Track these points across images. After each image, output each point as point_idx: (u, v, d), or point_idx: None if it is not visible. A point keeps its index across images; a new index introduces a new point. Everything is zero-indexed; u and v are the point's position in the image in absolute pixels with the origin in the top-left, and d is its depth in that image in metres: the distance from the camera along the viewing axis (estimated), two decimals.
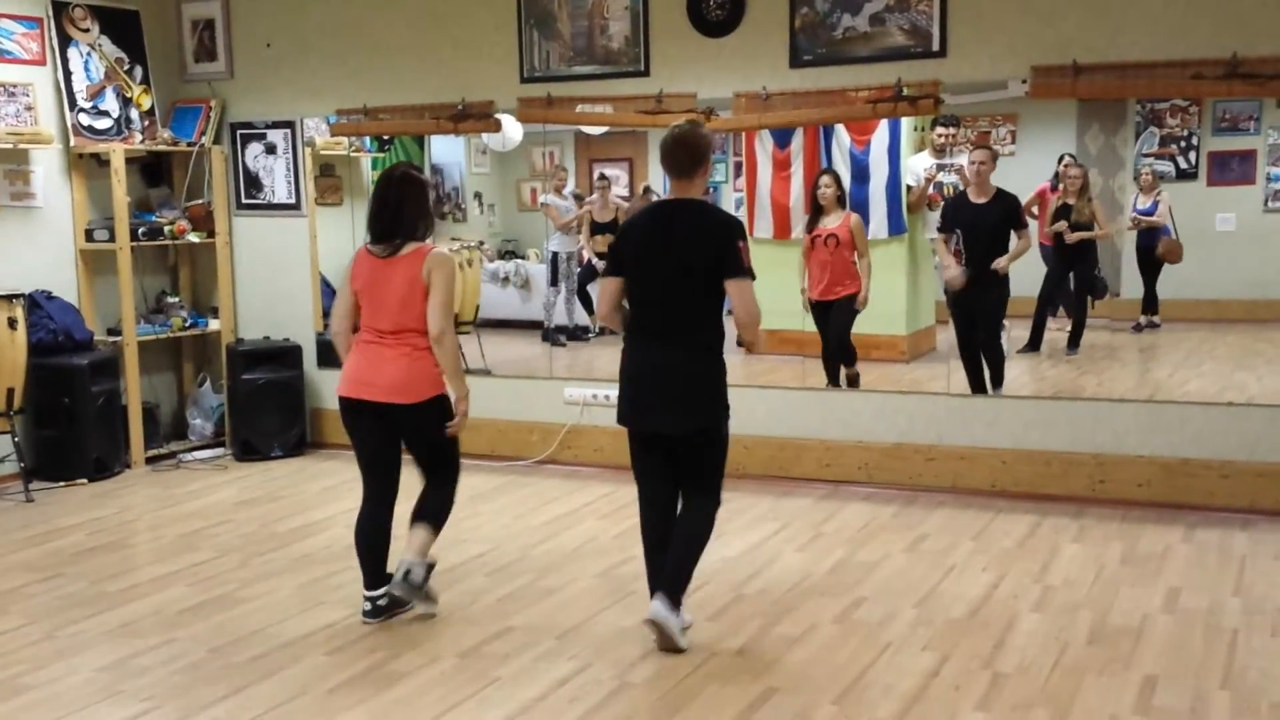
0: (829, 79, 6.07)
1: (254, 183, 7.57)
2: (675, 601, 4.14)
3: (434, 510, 4.61)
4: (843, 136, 8.15)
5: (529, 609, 4.64)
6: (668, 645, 4.15)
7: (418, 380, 4.46)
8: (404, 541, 4.55)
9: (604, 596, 4.76)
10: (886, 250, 8.20)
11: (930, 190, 7.98)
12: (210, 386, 7.66)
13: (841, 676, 3.94)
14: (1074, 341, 8.40)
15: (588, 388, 6.95)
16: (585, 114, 6.62)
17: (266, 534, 5.75)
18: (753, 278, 4.10)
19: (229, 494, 6.58)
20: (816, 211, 7.37)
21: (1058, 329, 8.48)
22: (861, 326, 7.89)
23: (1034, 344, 8.25)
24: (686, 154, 4.14)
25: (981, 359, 6.86)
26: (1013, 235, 6.90)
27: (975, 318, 6.94)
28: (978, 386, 6.79)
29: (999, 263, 6.79)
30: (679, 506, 4.26)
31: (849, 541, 5.40)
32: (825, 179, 7.41)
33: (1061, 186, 8.49)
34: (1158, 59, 5.45)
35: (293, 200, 7.47)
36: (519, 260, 9.65)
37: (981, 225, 6.86)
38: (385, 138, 8.06)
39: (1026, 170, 8.84)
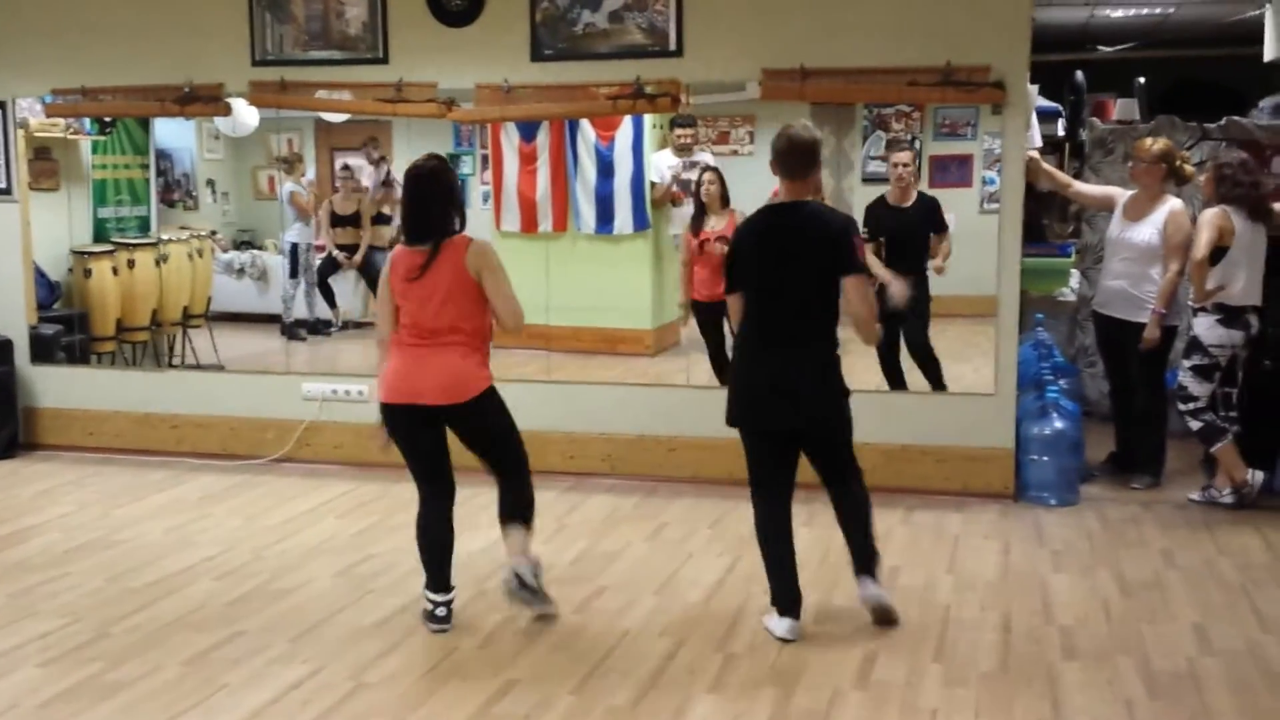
0: (570, 74, 6.10)
1: None
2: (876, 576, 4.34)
3: (521, 507, 4.48)
4: (588, 132, 8.23)
5: (261, 612, 4.48)
6: (888, 619, 4.31)
7: (467, 378, 4.29)
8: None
9: (341, 596, 4.65)
10: (632, 246, 8.35)
11: (675, 188, 8.15)
12: None
13: (580, 665, 3.98)
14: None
15: (328, 383, 6.76)
16: (321, 100, 6.43)
17: None
18: (868, 273, 4.20)
19: None
20: (700, 211, 7.17)
21: None
22: (607, 321, 8.00)
23: None
24: (800, 157, 4.15)
25: (900, 364, 6.65)
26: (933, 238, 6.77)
27: (902, 323, 6.60)
28: (898, 385, 6.60)
29: (936, 265, 6.65)
30: (831, 495, 4.42)
31: (591, 532, 5.46)
32: (708, 175, 7.14)
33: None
34: (878, 65, 5.74)
35: (3, 185, 6.95)
36: (256, 251, 9.30)
37: (905, 229, 6.69)
38: (107, 120, 7.62)
39: (766, 170, 9.13)
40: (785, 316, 4.17)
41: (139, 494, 6.12)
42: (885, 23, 5.75)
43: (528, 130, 8.37)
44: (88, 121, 7.41)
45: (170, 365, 7.97)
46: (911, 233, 6.73)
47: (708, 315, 7.14)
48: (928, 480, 5.95)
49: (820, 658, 4.03)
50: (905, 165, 6.67)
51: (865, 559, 4.36)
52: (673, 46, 5.95)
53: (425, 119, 6.47)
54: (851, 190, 9.72)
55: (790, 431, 4.23)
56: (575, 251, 8.43)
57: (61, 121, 7.15)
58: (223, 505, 5.92)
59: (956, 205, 9.62)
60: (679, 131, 8.04)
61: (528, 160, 8.63)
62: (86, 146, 7.57)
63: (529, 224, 8.65)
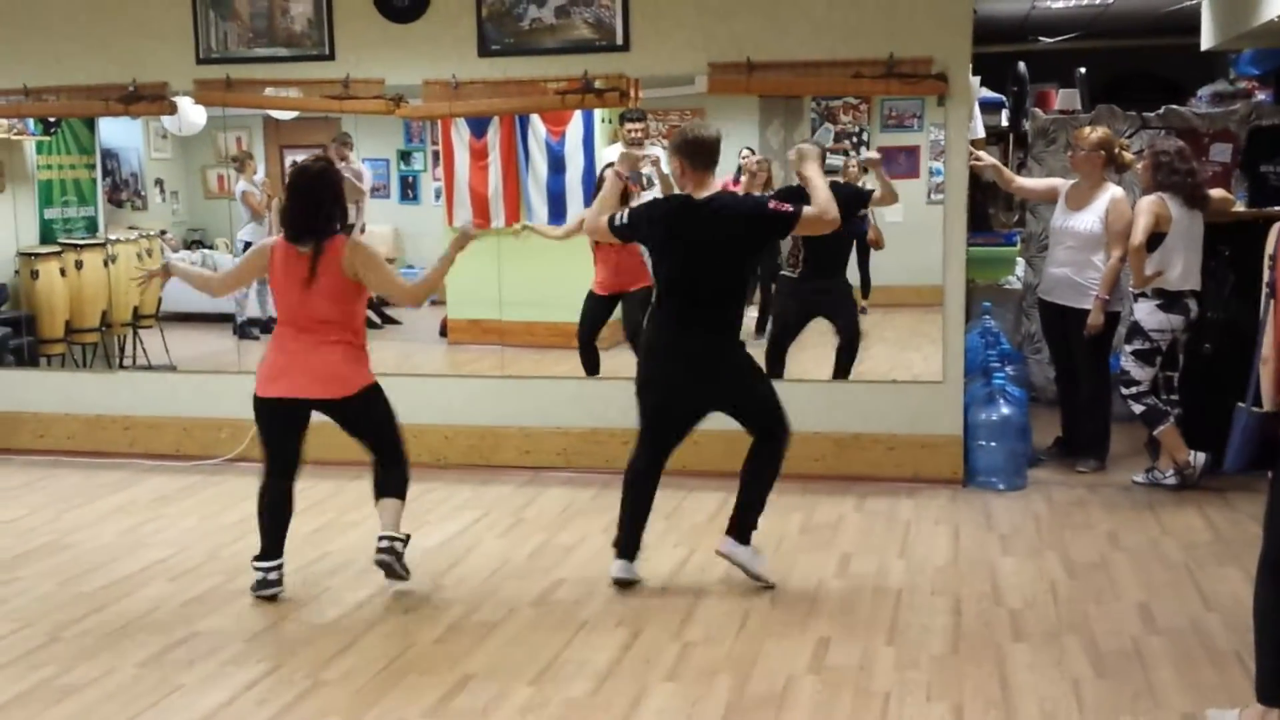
0: (518, 69, 6.11)
1: None
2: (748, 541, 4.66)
3: (396, 485, 4.69)
4: (538, 127, 8.22)
5: (216, 612, 4.47)
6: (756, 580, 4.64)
7: (350, 373, 4.52)
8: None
9: (297, 595, 4.65)
10: (584, 240, 8.35)
11: (627, 182, 8.16)
12: None
13: (538, 658, 4.01)
14: (761, 327, 8.82)
15: None
16: (268, 98, 6.40)
17: None
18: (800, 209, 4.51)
19: None
20: None
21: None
22: (560, 315, 7.99)
23: None
24: (709, 153, 4.51)
25: (786, 360, 6.78)
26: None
27: (828, 318, 6.78)
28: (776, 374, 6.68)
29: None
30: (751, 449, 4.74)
31: (548, 526, 5.48)
32: (608, 172, 7.29)
33: (744, 179, 8.89)
34: (823, 58, 5.80)
35: None
36: (206, 250, 9.21)
37: None
38: (51, 120, 7.53)
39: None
40: (700, 303, 4.52)
41: (91, 496, 6.07)
42: (830, 16, 5.81)
43: (478, 126, 8.35)
44: (31, 122, 7.32)
45: (121, 366, 7.89)
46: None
47: (601, 305, 7.29)
48: (879, 468, 6.03)
49: (775, 644, 4.08)
50: (751, 174, 7.06)
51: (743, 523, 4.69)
52: (620, 41, 5.97)
53: (375, 115, 6.47)
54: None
55: (698, 400, 4.63)
56: (528, 247, 8.43)
57: (4, 122, 7.06)
58: (176, 506, 5.89)
59: (904, 196, 9.70)
60: (629, 126, 8.06)
61: (479, 156, 8.61)
62: (31, 147, 7.48)
63: (481, 219, 8.64)
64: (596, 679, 3.84)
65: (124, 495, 6.11)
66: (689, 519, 5.54)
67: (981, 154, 6.33)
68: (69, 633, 4.28)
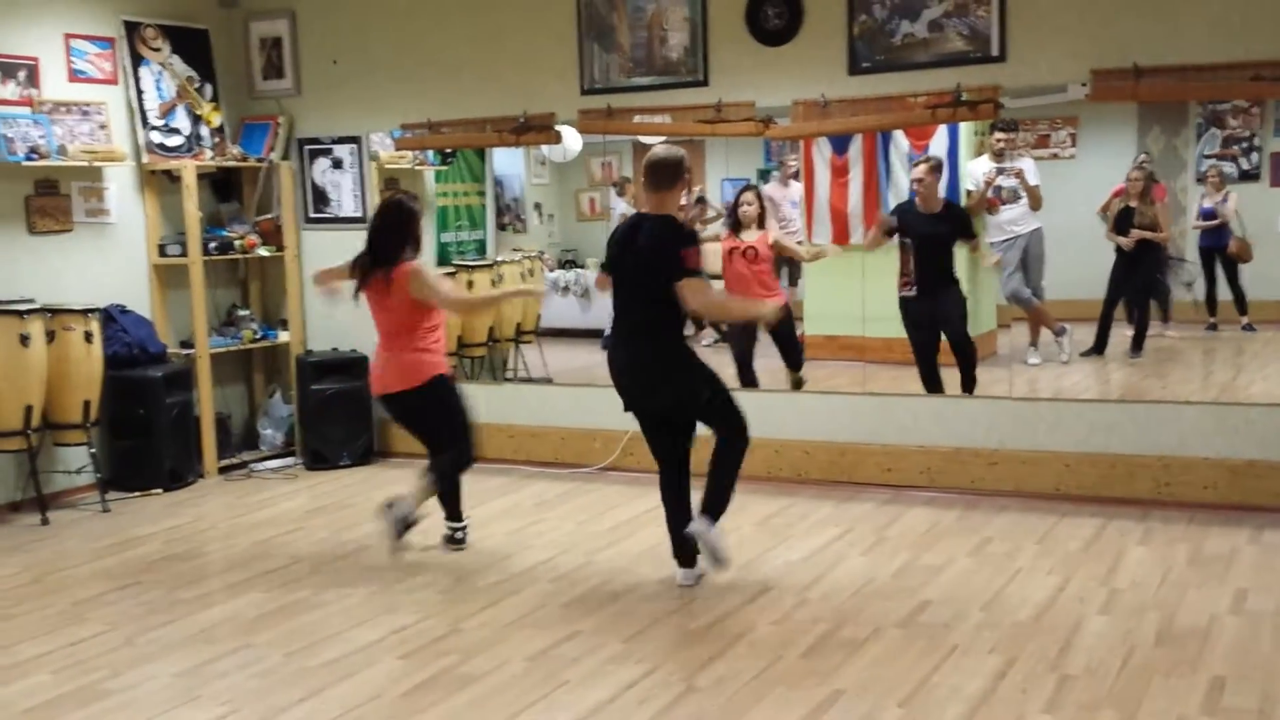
0: (888, 85, 6.08)
1: (322, 197, 7.71)
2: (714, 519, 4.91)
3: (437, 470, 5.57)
4: (901, 142, 8.15)
5: (596, 613, 4.70)
6: (715, 558, 4.87)
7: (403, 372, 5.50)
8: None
9: (669, 600, 4.81)
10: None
11: (990, 194, 7.96)
12: (281, 397, 7.80)
13: (908, 679, 3.96)
14: (1137, 344, 8.35)
15: None
16: (644, 124, 6.68)
17: (337, 541, 5.87)
18: (696, 274, 4.80)
19: (299, 502, 6.71)
20: (735, 226, 7.61)
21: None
22: None
23: (1099, 347, 8.21)
24: (664, 172, 4.84)
25: (938, 367, 7.00)
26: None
27: (937, 324, 7.07)
28: (936, 391, 6.90)
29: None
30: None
31: (912, 545, 5.41)
32: (747, 195, 7.63)
33: (1125, 188, 8.45)
34: (1218, 61, 5.42)
35: (359, 214, 7.58)
36: (579, 269, 9.73)
37: (927, 234, 7.06)
38: (448, 151, 8.16)
39: (1088, 172, 8.80)
40: (631, 312, 4.89)
41: (481, 499, 6.52)
42: (1226, 16, 5.43)
43: (840, 143, 8.37)
44: (431, 153, 7.95)
45: (505, 379, 8.44)
46: (932, 237, 7.06)
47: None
48: (1279, 498, 5.56)
49: (1163, 682, 3.85)
50: (919, 180, 7.06)
51: (711, 502, 4.88)
52: (995, 52, 5.82)
53: (742, 138, 6.62)
54: (1184, 191, 9.18)
55: (647, 409, 4.95)
56: (888, 263, 8.38)
57: (409, 154, 7.71)
58: (555, 511, 6.24)
59: None
60: (998, 136, 7.85)
61: (839, 173, 8.63)
62: (430, 176, 8.13)
63: (840, 236, 8.65)
64: (970, 705, 3.75)
65: (509, 499, 6.54)
66: (1062, 545, 5.32)
67: None
68: (467, 625, 4.62)
